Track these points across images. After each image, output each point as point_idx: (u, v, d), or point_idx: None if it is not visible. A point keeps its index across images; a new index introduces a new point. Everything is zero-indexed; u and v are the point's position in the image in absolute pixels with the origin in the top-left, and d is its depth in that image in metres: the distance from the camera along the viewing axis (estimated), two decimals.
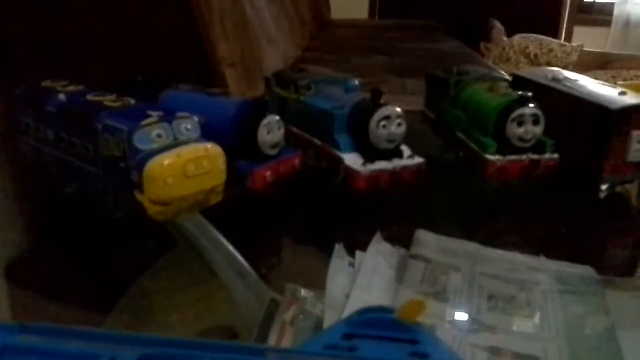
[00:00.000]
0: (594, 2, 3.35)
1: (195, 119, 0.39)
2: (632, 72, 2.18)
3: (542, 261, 0.43)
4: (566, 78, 0.55)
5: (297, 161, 0.47)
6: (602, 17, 3.32)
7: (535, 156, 0.49)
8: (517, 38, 2.37)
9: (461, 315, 0.37)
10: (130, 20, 0.88)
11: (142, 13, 0.90)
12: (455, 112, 0.55)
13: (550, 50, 2.29)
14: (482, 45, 2.55)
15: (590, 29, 3.35)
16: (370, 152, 0.46)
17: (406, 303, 0.26)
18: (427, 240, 0.46)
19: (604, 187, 0.50)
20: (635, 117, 0.47)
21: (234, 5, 1.14)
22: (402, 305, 0.26)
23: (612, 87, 0.54)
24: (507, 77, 0.57)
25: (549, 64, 2.30)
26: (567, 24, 3.35)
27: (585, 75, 1.84)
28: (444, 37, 2.51)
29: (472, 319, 0.37)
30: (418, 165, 0.48)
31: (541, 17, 3.07)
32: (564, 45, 2.31)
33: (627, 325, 0.36)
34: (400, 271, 0.41)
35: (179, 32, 0.92)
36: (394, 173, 0.47)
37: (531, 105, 0.49)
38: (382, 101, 0.47)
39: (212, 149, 0.38)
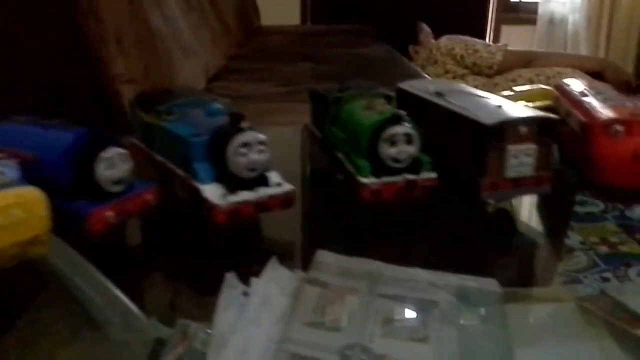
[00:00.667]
0: (519, 1, 3.45)
1: (11, 161, 0.34)
2: (555, 69, 2.23)
3: (444, 277, 0.41)
4: (451, 91, 0.53)
5: (150, 197, 0.43)
6: (527, 15, 3.42)
7: (412, 176, 0.46)
8: (444, 40, 2.40)
9: (350, 345, 0.35)
10: (17, 41, 0.82)
11: (29, 36, 0.84)
12: (335, 131, 0.52)
13: (476, 51, 2.32)
14: (410, 48, 2.57)
15: (517, 28, 3.45)
16: (231, 182, 0.42)
17: None
18: (326, 261, 0.43)
19: (491, 201, 0.48)
20: (511, 132, 0.45)
21: (135, 20, 1.09)
22: None
23: (499, 98, 0.52)
24: (388, 92, 0.54)
25: (475, 64, 2.33)
26: (494, 23, 3.43)
27: (511, 74, 1.86)
28: (373, 42, 2.51)
29: (362, 349, 0.35)
30: (287, 194, 0.44)
31: (468, 18, 3.13)
32: (488, 46, 2.35)
33: (525, 342, 0.35)
34: (297, 299, 0.38)
35: (69, 52, 0.86)
36: (259, 204, 0.43)
37: (404, 123, 0.46)
38: (243, 125, 0.44)
39: (28, 194, 0.34)
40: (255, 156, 0.43)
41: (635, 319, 0.36)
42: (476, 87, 1.95)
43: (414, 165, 0.47)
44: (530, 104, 0.61)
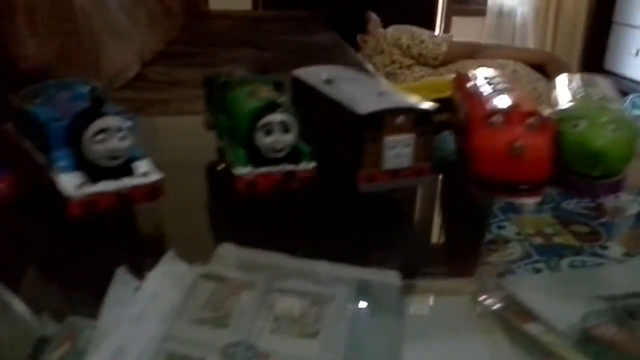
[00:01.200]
0: None
1: None
2: (498, 61, 2.25)
3: (346, 270, 0.40)
4: (341, 78, 0.52)
5: (1, 185, 0.40)
6: (477, 7, 3.45)
7: (290, 167, 0.45)
8: (391, 30, 2.39)
9: (235, 343, 0.34)
10: None
11: None
12: (221, 119, 0.50)
13: (422, 41, 2.32)
14: (359, 37, 2.55)
15: (468, 19, 3.48)
16: (91, 172, 0.40)
17: None
18: (228, 255, 0.42)
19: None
20: (388, 122, 0.44)
21: None
22: None
23: (389, 87, 0.51)
24: (279, 79, 0.52)
25: (421, 55, 2.34)
26: (445, 14, 3.46)
27: (455, 65, 1.86)
28: (321, 30, 2.49)
29: (247, 347, 0.34)
30: (154, 184, 0.42)
31: (419, 9, 3.14)
32: (434, 37, 2.35)
33: (417, 334, 0.35)
34: (189, 295, 0.37)
35: None
36: (120, 195, 0.41)
37: (281, 111, 0.44)
38: (107, 110, 0.41)
39: None
40: (115, 143, 0.40)
41: (526, 313, 0.36)
42: (422, 77, 1.96)
43: (294, 155, 0.45)
44: (432, 95, 0.61)
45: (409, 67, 2.34)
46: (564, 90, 0.54)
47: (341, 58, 1.98)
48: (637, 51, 3.03)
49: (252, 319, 0.36)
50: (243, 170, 0.44)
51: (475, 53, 2.34)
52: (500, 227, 0.46)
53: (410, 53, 2.34)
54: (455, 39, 2.84)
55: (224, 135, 0.49)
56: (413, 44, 2.33)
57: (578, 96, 0.51)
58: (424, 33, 2.38)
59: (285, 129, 0.44)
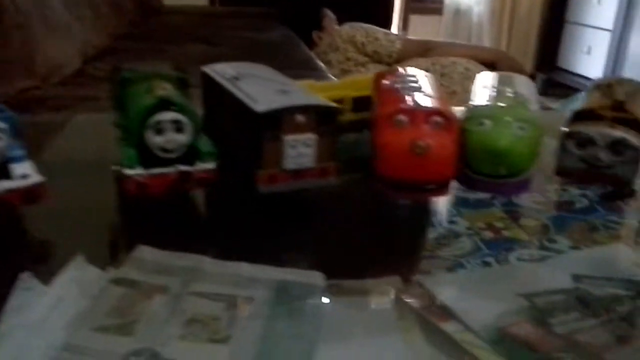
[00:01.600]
0: None
1: None
2: (451, 59, 2.28)
3: (268, 271, 0.39)
4: (248, 75, 0.50)
5: None
6: (435, 5, 3.48)
7: (185, 167, 0.43)
8: (346, 27, 2.39)
9: (138, 351, 0.32)
10: None
11: None
12: (120, 117, 0.48)
13: (376, 39, 2.33)
14: (314, 34, 2.55)
15: (425, 18, 3.51)
16: None
17: None
18: (144, 258, 0.40)
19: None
20: (287, 121, 0.42)
21: None
22: None
23: (293, 86, 0.49)
24: (183, 75, 0.50)
25: (375, 52, 2.34)
26: (403, 12, 3.47)
27: (408, 62, 1.87)
28: (275, 26, 2.47)
29: (151, 354, 0.32)
30: (33, 186, 0.40)
31: (375, 6, 3.14)
32: (388, 34, 2.36)
33: (335, 336, 0.34)
34: (96, 301, 0.36)
35: None
36: None
37: (174, 109, 0.42)
38: None
39: None
40: None
41: (445, 312, 0.35)
42: None
43: (190, 155, 0.43)
44: (354, 93, 0.59)
45: (363, 64, 2.34)
46: (479, 89, 0.53)
47: (293, 54, 1.96)
48: (589, 48, 3.10)
49: (161, 325, 0.34)
50: (132, 172, 0.41)
51: (429, 51, 2.35)
52: (451, 222, 0.46)
53: (365, 50, 2.34)
54: (412, 37, 2.86)
55: (121, 134, 0.47)
56: (368, 41, 2.34)
57: (490, 95, 0.50)
58: (378, 31, 2.38)
59: (178, 128, 0.42)
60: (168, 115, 0.42)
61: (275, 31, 2.36)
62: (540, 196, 0.51)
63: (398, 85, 0.50)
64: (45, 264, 0.40)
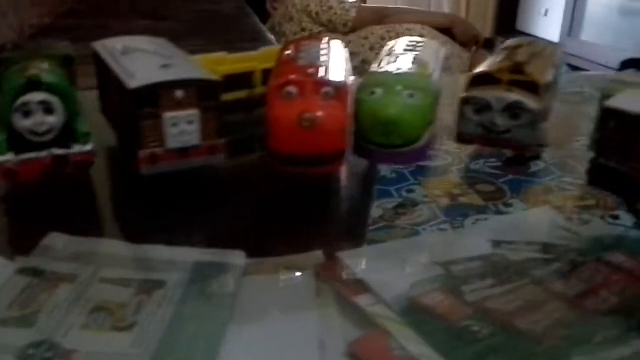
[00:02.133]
0: None
1: None
2: (405, 26, 2.25)
3: (186, 252, 0.38)
4: (136, 50, 0.47)
5: None
6: None
7: (60, 151, 0.41)
8: None
9: (37, 343, 0.31)
10: None
11: None
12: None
13: (330, 7, 2.28)
14: (268, 4, 2.49)
15: None
16: None
17: None
18: (55, 245, 0.39)
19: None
20: (166, 97, 0.40)
21: None
22: None
23: (176, 60, 0.47)
24: (69, 53, 0.47)
25: (330, 21, 2.30)
26: None
27: (363, 31, 1.84)
28: None
29: (50, 345, 0.31)
30: None
31: None
32: (342, 3, 2.31)
33: (245, 316, 0.33)
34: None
35: None
36: None
37: (43, 89, 0.40)
38: None
39: None
40: None
41: (359, 285, 0.35)
42: None
43: (66, 138, 0.41)
44: (263, 65, 0.57)
45: (319, 34, 2.30)
46: (384, 56, 0.52)
47: (243, 27, 1.92)
48: (546, 11, 3.10)
49: (65, 315, 0.33)
50: (3, 158, 0.39)
51: (384, 18, 2.32)
52: (409, 191, 0.46)
53: (320, 20, 2.30)
54: (370, 4, 2.82)
55: None
56: (322, 10, 2.29)
57: (390, 62, 0.49)
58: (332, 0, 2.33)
59: (48, 109, 0.40)
60: (35, 97, 0.39)
61: (227, 2, 2.30)
62: (496, 161, 0.51)
63: (297, 57, 0.49)
64: None
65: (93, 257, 0.38)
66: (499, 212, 0.44)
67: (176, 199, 0.45)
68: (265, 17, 2.41)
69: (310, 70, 0.44)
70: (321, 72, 0.44)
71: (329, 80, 0.43)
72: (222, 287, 0.36)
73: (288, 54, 0.50)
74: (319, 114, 0.41)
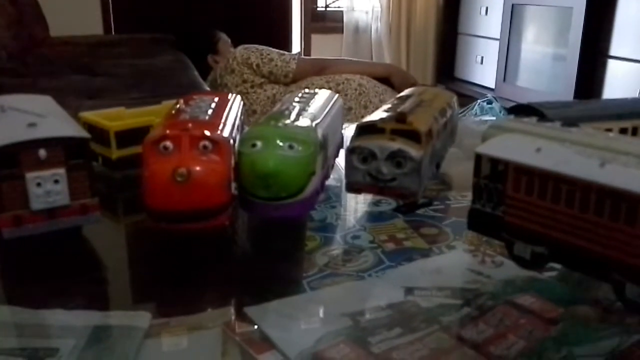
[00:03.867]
0: (325, 10, 3.55)
1: None
2: (345, 76, 2.30)
3: (86, 316, 0.37)
4: (13, 108, 0.45)
5: None
6: (334, 24, 3.53)
7: None
8: (240, 49, 2.36)
9: None
10: None
11: None
12: None
13: (271, 59, 2.31)
14: (209, 58, 2.51)
15: (326, 37, 3.55)
16: None
17: None
18: None
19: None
20: (28, 156, 0.38)
21: None
22: None
23: (46, 117, 0.45)
24: None
25: (271, 73, 2.33)
26: (304, 32, 3.50)
27: (304, 82, 1.85)
28: (167, 51, 2.42)
29: None
30: None
31: (272, 28, 3.15)
32: (283, 54, 2.35)
33: None
34: None
35: None
36: None
37: None
38: None
39: None
40: None
41: (265, 342, 0.34)
42: (274, 95, 1.98)
43: None
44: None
45: (260, 85, 2.32)
46: (276, 108, 0.52)
47: (179, 79, 1.92)
48: (481, 59, 3.23)
49: None
50: None
51: (324, 69, 2.37)
52: (355, 237, 0.47)
53: (261, 72, 2.32)
54: (314, 56, 2.88)
55: None
56: (262, 62, 2.32)
57: (278, 113, 0.48)
58: (272, 52, 2.37)
59: None
60: None
61: (167, 56, 2.31)
62: (440, 204, 0.52)
63: (183, 110, 0.48)
64: None
65: None
66: (443, 254, 0.45)
67: (43, 263, 0.43)
68: (206, 70, 2.43)
69: (189, 125, 0.43)
70: (200, 126, 0.43)
71: (206, 134, 0.42)
72: (121, 353, 0.34)
73: (176, 108, 0.49)
74: (194, 168, 0.40)
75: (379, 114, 0.49)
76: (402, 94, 0.56)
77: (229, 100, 0.53)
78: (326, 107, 0.52)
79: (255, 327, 0.36)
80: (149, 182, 0.41)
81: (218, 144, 0.42)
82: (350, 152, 0.47)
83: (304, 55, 3.19)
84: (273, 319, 0.38)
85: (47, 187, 0.39)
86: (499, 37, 3.02)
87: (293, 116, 0.47)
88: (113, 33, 3.13)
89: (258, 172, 0.42)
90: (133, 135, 0.56)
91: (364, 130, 0.47)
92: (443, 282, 0.41)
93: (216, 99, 0.52)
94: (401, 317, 0.37)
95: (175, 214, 0.41)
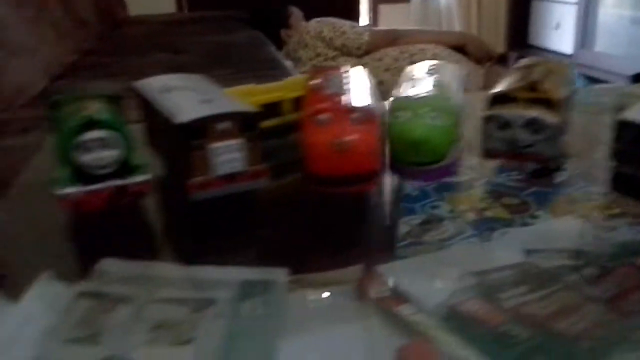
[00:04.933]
0: None
1: None
2: (418, 46, 2.29)
3: (230, 272, 0.40)
4: (174, 87, 0.51)
5: None
6: None
7: (120, 182, 0.44)
8: (312, 23, 2.39)
9: (107, 358, 0.33)
10: None
11: None
12: (56, 139, 0.49)
13: (343, 32, 2.33)
14: (282, 32, 2.55)
15: (393, 7, 3.52)
16: None
17: None
18: (109, 270, 0.41)
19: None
20: (211, 129, 0.44)
21: None
22: None
23: (219, 94, 0.51)
24: (116, 93, 0.51)
25: (344, 45, 2.35)
26: (372, 3, 3.49)
27: (378, 53, 1.87)
28: (243, 28, 2.48)
29: None
30: None
31: (340, 0, 3.14)
32: (355, 27, 2.36)
33: (294, 328, 0.35)
34: (65, 314, 0.36)
35: None
36: None
37: (100, 127, 0.44)
38: None
39: None
40: None
41: (400, 297, 0.36)
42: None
43: (125, 169, 0.45)
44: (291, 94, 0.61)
45: (333, 58, 2.35)
46: (406, 81, 0.55)
47: (258, 55, 1.97)
48: (557, 24, 3.12)
49: (127, 333, 0.35)
50: (65, 191, 0.43)
51: (397, 40, 2.36)
52: (433, 207, 0.47)
53: (334, 45, 2.35)
54: (382, 26, 2.87)
55: (58, 156, 0.49)
56: (335, 35, 2.34)
57: (413, 85, 0.52)
58: (345, 24, 2.39)
59: (105, 145, 0.44)
60: (93, 134, 0.43)
61: (242, 33, 2.37)
62: (518, 174, 0.51)
63: (324, 85, 0.52)
64: (11, 282, 0.41)
65: (146, 279, 0.40)
66: (525, 224, 0.45)
67: (222, 222, 0.48)
68: (279, 44, 2.47)
69: (340, 98, 0.48)
70: (350, 99, 0.48)
71: (358, 107, 0.46)
72: (269, 303, 0.38)
73: (315, 84, 0.54)
74: (350, 138, 0.45)
75: (509, 83, 0.51)
76: (522, 63, 0.58)
77: (358, 73, 0.57)
78: (456, 79, 0.55)
79: (389, 284, 0.38)
80: (309, 151, 0.46)
81: (369, 115, 0.46)
82: (486, 120, 0.50)
83: (373, 26, 3.17)
84: (403, 276, 0.39)
85: (228, 156, 0.45)
86: (576, 1, 2.91)
87: (430, 88, 0.51)
88: (186, 11, 3.21)
89: (409, 139, 0.46)
90: (268, 109, 0.60)
91: (497, 99, 0.50)
92: (560, 245, 0.42)
93: (346, 74, 0.56)
94: (525, 277, 0.39)
95: (333, 178, 0.46)
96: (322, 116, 0.46)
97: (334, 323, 0.36)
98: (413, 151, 0.46)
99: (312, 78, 0.55)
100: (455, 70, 0.59)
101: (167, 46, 2.08)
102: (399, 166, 0.48)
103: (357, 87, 0.52)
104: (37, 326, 0.36)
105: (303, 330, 0.35)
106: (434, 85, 0.51)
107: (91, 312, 0.37)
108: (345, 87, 0.51)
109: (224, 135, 0.44)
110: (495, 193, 0.49)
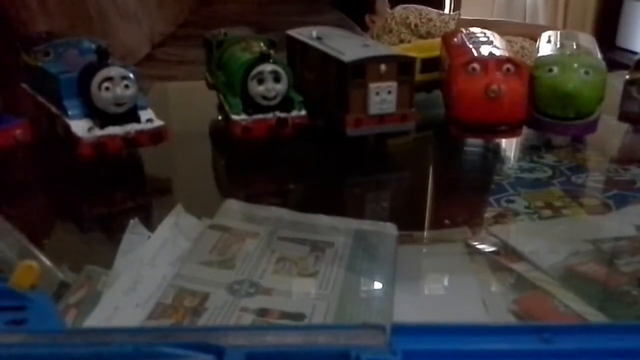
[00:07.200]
0: None
1: None
2: (506, 37, 2.25)
3: (345, 221, 0.43)
4: (330, 35, 0.55)
5: (19, 132, 0.44)
6: None
7: (283, 114, 0.48)
8: (398, 9, 2.40)
9: (239, 281, 0.36)
10: None
11: None
12: (219, 74, 0.54)
13: (430, 19, 2.33)
14: (367, 17, 2.57)
15: None
16: (99, 117, 0.44)
17: (16, 269, 0.24)
18: (233, 209, 0.45)
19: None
20: (371, 70, 0.47)
21: None
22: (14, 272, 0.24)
23: (372, 42, 0.54)
24: (272, 38, 0.55)
25: (429, 33, 2.34)
26: None
27: None
28: (329, 11, 2.51)
29: (251, 284, 0.36)
30: (157, 129, 0.46)
31: None
32: (442, 14, 2.36)
33: (407, 278, 0.36)
34: (197, 242, 0.40)
35: None
36: (127, 138, 0.45)
37: (271, 62, 0.48)
38: (109, 62, 0.45)
39: None
40: (119, 91, 0.44)
41: (514, 254, 0.37)
42: None
43: (285, 104, 0.49)
44: (422, 54, 0.64)
45: None
46: (545, 44, 0.57)
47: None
48: None
49: (256, 262, 0.38)
50: (238, 117, 0.47)
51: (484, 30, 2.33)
52: (509, 201, 0.46)
53: (419, 32, 2.34)
54: (464, 17, 2.83)
55: (221, 90, 0.53)
56: (421, 22, 2.34)
57: (555, 47, 0.54)
58: (432, 12, 2.38)
59: (276, 78, 0.48)
60: (268, 67, 0.47)
61: (328, 15, 2.40)
62: (600, 175, 0.50)
63: (467, 40, 0.55)
64: (148, 212, 0.45)
65: (266, 220, 0.43)
66: None
67: (348, 172, 0.50)
68: (363, 30, 2.49)
69: (490, 50, 0.50)
70: (499, 52, 0.50)
71: (509, 58, 0.49)
72: (383, 250, 0.39)
73: (458, 39, 0.56)
74: (503, 86, 0.47)
75: None
76: None
77: (493, 33, 0.59)
78: (593, 45, 0.56)
79: (500, 243, 0.39)
80: (460, 98, 0.49)
81: (519, 67, 0.48)
82: (629, 83, 0.51)
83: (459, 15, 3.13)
84: (517, 237, 0.40)
85: (382, 97, 0.48)
86: None
87: (574, 49, 0.52)
88: None
89: (559, 93, 0.48)
90: (428, 64, 0.62)
91: None
92: None
93: (485, 32, 0.58)
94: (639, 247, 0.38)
95: (482, 126, 0.48)
96: (474, 65, 0.48)
97: (448, 274, 0.37)
98: (562, 105, 0.48)
99: (451, 37, 0.58)
100: (589, 38, 0.60)
101: (255, 24, 2.14)
102: (542, 120, 0.50)
103: (496, 43, 0.54)
104: (173, 249, 0.39)
105: (417, 278, 0.37)
106: (575, 47, 0.53)
107: (222, 241, 0.40)
108: (486, 43, 0.54)
109: (383, 76, 0.48)
110: (573, 193, 0.47)
